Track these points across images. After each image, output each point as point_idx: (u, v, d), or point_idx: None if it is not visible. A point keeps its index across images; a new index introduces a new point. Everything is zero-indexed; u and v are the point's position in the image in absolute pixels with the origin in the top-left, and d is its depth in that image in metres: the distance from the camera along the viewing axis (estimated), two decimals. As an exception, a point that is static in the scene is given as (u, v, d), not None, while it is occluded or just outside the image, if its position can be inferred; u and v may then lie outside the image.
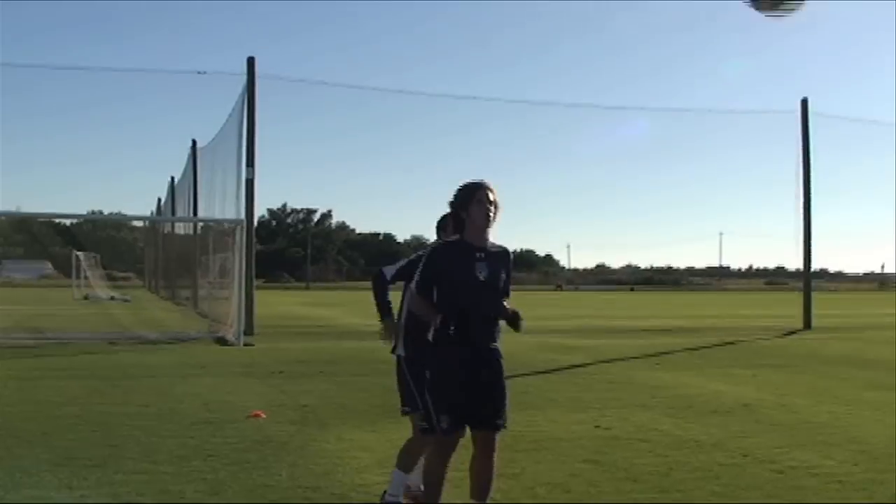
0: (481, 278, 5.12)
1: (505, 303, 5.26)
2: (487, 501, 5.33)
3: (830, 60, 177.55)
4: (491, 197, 5.19)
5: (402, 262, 5.86)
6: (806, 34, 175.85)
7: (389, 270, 5.84)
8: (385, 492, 5.94)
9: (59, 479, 6.61)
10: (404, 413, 5.92)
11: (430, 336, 5.26)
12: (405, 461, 5.87)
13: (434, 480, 5.24)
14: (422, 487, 5.69)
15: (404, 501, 5.89)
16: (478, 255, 5.16)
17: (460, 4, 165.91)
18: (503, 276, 5.25)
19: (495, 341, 5.23)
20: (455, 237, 5.32)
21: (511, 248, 5.39)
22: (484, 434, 5.21)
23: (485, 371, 5.15)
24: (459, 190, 5.27)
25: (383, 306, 5.78)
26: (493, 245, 5.27)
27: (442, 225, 6.00)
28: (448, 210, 5.73)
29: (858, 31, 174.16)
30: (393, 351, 5.96)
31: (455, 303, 5.12)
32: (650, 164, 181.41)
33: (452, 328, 5.10)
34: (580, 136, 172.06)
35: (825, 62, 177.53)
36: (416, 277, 5.33)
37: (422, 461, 5.67)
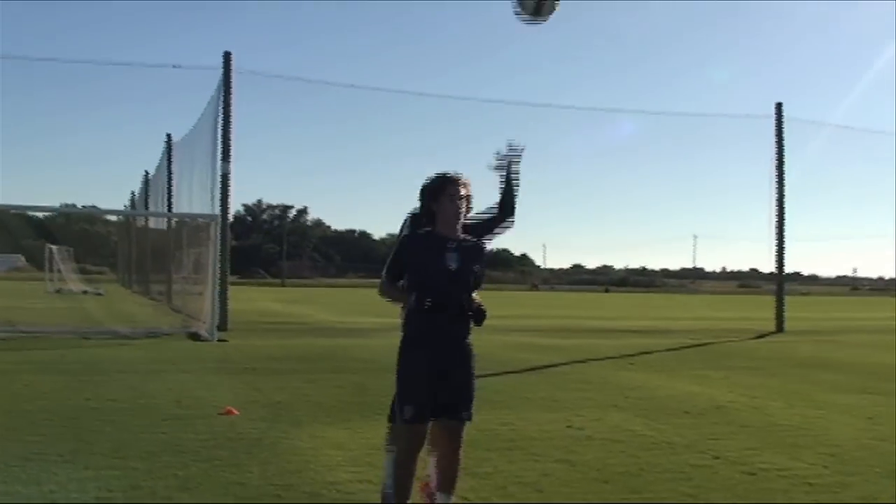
0: (451, 268, 5.07)
1: (474, 295, 5.21)
2: (452, 496, 5.29)
3: (809, 66, 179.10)
4: (462, 192, 5.15)
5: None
6: (784, 41, 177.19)
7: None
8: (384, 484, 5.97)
9: (27, 474, 6.54)
10: None
11: (401, 318, 5.21)
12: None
13: (403, 474, 5.19)
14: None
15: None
16: (448, 244, 5.12)
17: (438, 3, 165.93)
18: (475, 268, 5.18)
19: (465, 332, 5.19)
20: (426, 229, 5.25)
21: (488, 248, 5.38)
22: (448, 425, 5.17)
23: (453, 362, 5.12)
24: (430, 182, 5.22)
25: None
26: (466, 237, 5.24)
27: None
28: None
29: (834, 39, 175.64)
30: None
31: (426, 296, 5.06)
32: (626, 165, 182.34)
33: (429, 302, 5.03)
34: (556, 136, 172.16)
35: (803, 68, 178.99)
36: (386, 264, 5.27)
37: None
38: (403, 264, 5.18)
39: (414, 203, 5.91)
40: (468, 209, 5.25)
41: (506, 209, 5.85)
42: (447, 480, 5.27)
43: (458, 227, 5.21)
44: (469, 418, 5.23)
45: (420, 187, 5.26)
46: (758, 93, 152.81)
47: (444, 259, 5.08)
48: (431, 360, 5.06)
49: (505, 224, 5.87)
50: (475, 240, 5.31)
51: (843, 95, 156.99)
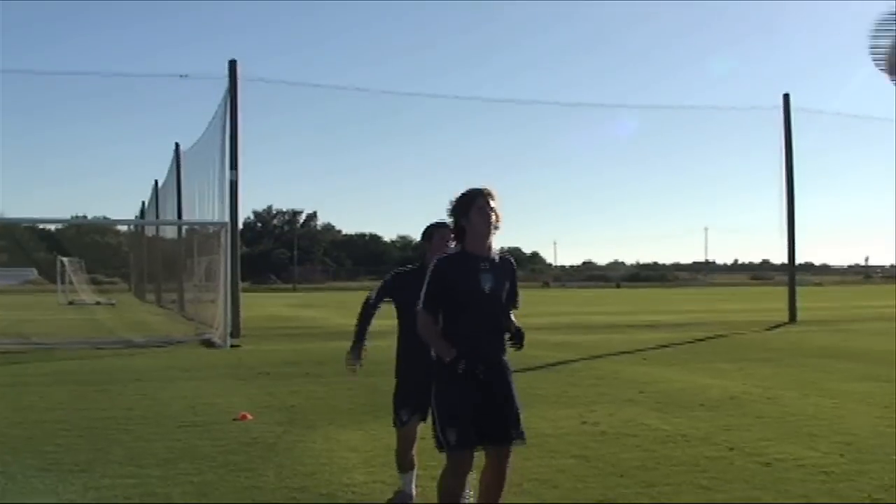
0: (486, 290, 4.94)
1: (512, 316, 5.12)
2: None
3: (811, 56, 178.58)
4: (492, 203, 4.98)
5: (378, 286, 6.30)
6: (786, 32, 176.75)
7: (372, 294, 6.36)
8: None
9: (45, 484, 6.58)
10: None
11: (434, 357, 5.00)
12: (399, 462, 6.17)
13: (451, 501, 5.02)
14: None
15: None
16: (482, 265, 4.96)
17: (440, 4, 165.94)
18: (507, 286, 5.08)
19: (503, 354, 5.07)
20: (456, 249, 5.09)
21: (497, 246, 5.15)
22: (497, 449, 5.01)
23: (494, 386, 4.97)
24: (458, 198, 5.05)
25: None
26: (496, 253, 5.08)
27: (427, 234, 5.96)
28: (436, 221, 5.86)
29: (838, 30, 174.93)
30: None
31: (461, 319, 4.92)
32: (635, 160, 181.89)
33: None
34: (565, 133, 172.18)
35: (806, 58, 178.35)
36: (421, 295, 5.03)
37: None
38: (439, 292, 4.95)
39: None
40: (497, 223, 5.02)
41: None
42: (489, 500, 5.04)
43: (490, 242, 5.03)
44: (520, 436, 5.06)
45: (449, 204, 5.07)
46: (766, 83, 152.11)
47: (478, 281, 4.92)
48: (470, 382, 4.88)
49: None
50: (506, 256, 5.14)
51: (845, 83, 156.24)
